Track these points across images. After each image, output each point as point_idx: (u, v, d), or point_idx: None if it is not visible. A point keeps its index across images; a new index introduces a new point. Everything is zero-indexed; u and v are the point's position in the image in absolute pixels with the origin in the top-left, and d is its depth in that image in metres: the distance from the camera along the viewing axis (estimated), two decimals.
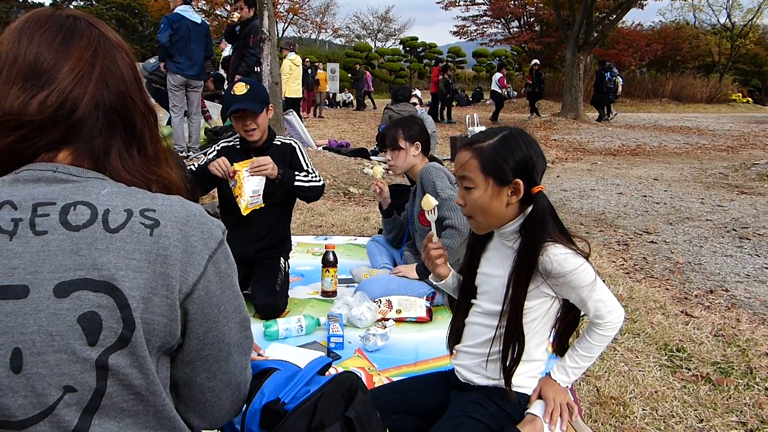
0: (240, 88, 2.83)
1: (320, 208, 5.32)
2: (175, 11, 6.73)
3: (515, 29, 31.53)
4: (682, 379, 2.36)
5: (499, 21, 31.68)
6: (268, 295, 2.79)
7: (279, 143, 3.00)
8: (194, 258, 0.88)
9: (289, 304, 2.94)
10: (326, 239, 4.27)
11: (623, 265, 3.92)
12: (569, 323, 1.61)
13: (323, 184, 3.03)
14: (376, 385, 2.07)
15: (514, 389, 1.57)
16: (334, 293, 3.10)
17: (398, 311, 2.79)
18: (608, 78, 16.14)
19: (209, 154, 2.96)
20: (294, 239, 4.20)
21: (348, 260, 3.73)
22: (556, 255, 1.45)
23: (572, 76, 16.54)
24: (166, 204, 0.90)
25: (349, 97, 25.22)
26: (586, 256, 1.49)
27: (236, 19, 6.86)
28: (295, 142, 3.03)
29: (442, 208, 2.73)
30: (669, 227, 5.03)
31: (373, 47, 41.41)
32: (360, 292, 2.81)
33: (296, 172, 2.89)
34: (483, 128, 8.94)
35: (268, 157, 2.76)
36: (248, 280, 2.91)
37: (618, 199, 6.31)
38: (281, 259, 2.97)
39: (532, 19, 30.88)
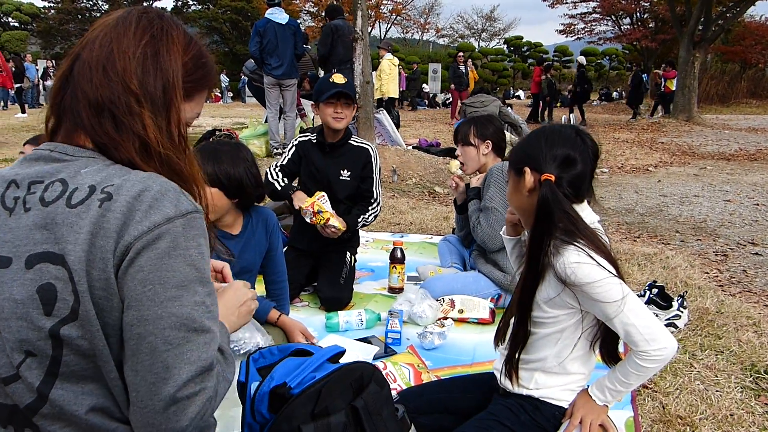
0: (339, 78, 2.94)
1: (402, 206, 5.35)
2: (264, 16, 7.10)
3: (627, 26, 29.88)
4: (766, 404, 2.15)
5: (609, 18, 30.14)
6: (332, 288, 2.86)
7: (354, 144, 3.05)
8: (128, 229, 0.85)
9: (354, 297, 3.00)
10: (402, 237, 4.29)
11: (717, 276, 3.61)
12: (611, 333, 1.50)
13: (377, 214, 3.09)
14: (424, 382, 2.07)
15: (549, 401, 1.51)
16: (400, 290, 3.11)
17: (460, 311, 2.75)
18: (646, 79, 17.10)
19: (288, 151, 3.07)
20: (370, 235, 4.30)
21: (420, 258, 3.74)
22: (571, 263, 1.36)
23: (685, 75, 15.41)
24: (128, 178, 0.89)
25: (449, 98, 25.07)
26: (614, 272, 1.37)
27: None
28: (372, 149, 3.07)
29: (481, 216, 2.90)
30: None
31: (477, 47, 40.93)
32: (423, 290, 2.80)
33: (358, 214, 2.97)
34: None
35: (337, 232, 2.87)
36: (316, 273, 3.00)
37: (724, 206, 5.82)
38: (347, 253, 3.03)
39: (645, 15, 29.11)
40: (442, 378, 2.14)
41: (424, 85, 26.94)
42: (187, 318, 0.87)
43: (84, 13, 31.06)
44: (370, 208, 3.01)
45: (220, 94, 27.38)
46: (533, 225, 1.45)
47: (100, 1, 31.36)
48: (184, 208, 0.89)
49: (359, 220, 2.96)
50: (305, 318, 2.79)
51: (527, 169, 1.46)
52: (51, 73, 19.45)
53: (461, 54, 15.23)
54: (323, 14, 8.43)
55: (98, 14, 31.01)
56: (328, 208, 2.84)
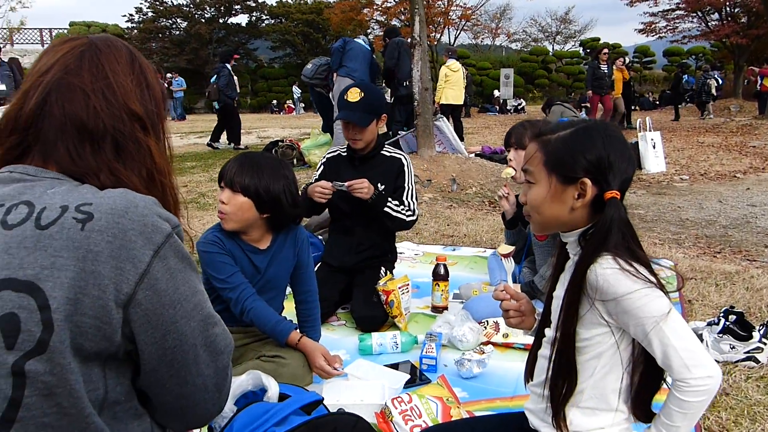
0: (353, 95, 2.77)
1: (458, 216, 5.12)
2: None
3: (714, 23, 28.04)
4: None
5: (694, 14, 28.42)
6: (365, 306, 2.69)
7: (387, 154, 2.88)
8: (133, 254, 0.81)
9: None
10: (454, 250, 4.07)
11: None
12: (647, 377, 1.26)
13: (413, 221, 2.86)
14: (453, 419, 1.86)
15: None
16: (445, 308, 2.91)
17: (505, 335, 2.51)
18: (685, 80, 16.34)
19: (318, 168, 2.96)
20: (421, 248, 4.10)
21: (470, 274, 3.51)
22: (605, 269, 1.16)
23: None
24: (106, 196, 0.85)
25: (520, 103, 24.44)
26: (658, 285, 1.17)
27: None
28: (405, 159, 2.89)
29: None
30: None
31: (551, 50, 39.80)
32: (464, 311, 2.58)
33: (390, 199, 2.76)
34: (657, 134, 8.04)
35: (365, 180, 2.66)
36: (350, 290, 2.85)
37: None
38: (382, 268, 2.85)
39: (736, 10, 27.20)
40: (475, 415, 1.92)
41: (495, 90, 26.43)
42: (208, 316, 0.90)
43: (164, 31, 32.71)
44: (398, 205, 2.80)
45: (293, 105, 28.04)
46: (585, 245, 1.24)
47: (178, 20, 32.90)
48: (173, 221, 0.88)
49: (387, 201, 2.74)
50: (339, 339, 2.64)
51: (588, 182, 1.22)
52: None
53: (606, 51, 12.48)
54: (383, 35, 8.53)
55: (177, 32, 32.66)
56: (403, 306, 2.68)
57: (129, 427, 0.88)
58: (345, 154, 2.88)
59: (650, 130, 8.06)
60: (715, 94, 16.41)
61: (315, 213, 2.96)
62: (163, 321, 0.83)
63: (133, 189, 0.90)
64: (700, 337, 2.43)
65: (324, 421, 0.99)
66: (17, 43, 28.15)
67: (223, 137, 10.88)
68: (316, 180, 2.89)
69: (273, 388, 1.32)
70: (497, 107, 24.14)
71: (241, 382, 1.47)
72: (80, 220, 0.81)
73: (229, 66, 10.42)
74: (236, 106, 10.70)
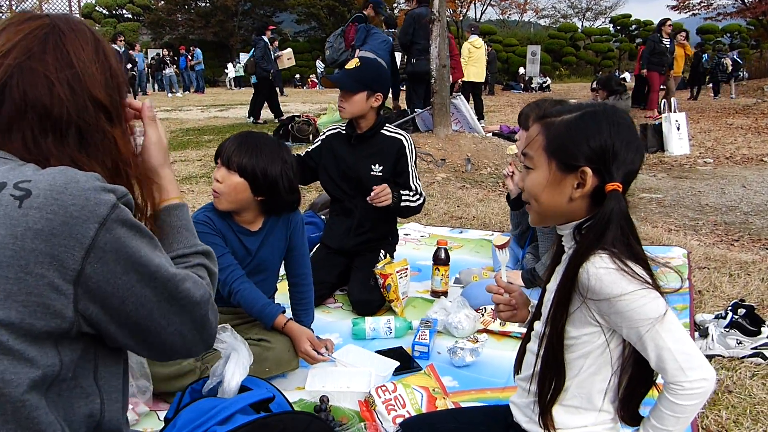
0: (352, 63, 2.76)
1: (469, 198, 5.03)
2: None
3: None
4: None
5: None
6: (362, 290, 2.64)
7: (387, 134, 2.80)
8: (75, 230, 0.80)
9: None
10: (461, 232, 3.99)
11: None
12: (636, 381, 1.19)
13: (421, 204, 2.81)
14: (438, 409, 1.81)
15: None
16: (444, 294, 2.85)
17: (502, 323, 2.44)
18: (705, 59, 15.80)
19: (315, 143, 2.90)
20: (427, 230, 4.03)
21: (475, 258, 3.44)
22: (599, 268, 1.08)
23: None
24: (45, 173, 0.83)
25: (545, 81, 23.94)
26: (654, 286, 1.10)
27: None
28: (407, 139, 2.81)
29: None
30: None
31: (580, 27, 38.80)
32: (461, 298, 2.52)
33: (402, 192, 2.71)
34: (682, 115, 7.78)
35: (385, 186, 2.61)
36: (349, 273, 2.80)
37: None
38: (382, 251, 2.79)
39: None
40: (461, 406, 1.87)
41: (521, 68, 25.93)
42: (172, 276, 0.89)
43: (190, 3, 32.62)
44: (411, 193, 2.75)
45: (316, 80, 27.86)
46: (580, 239, 1.17)
47: None
48: (119, 191, 0.86)
49: (402, 197, 2.69)
50: (333, 322, 2.61)
51: (588, 171, 1.14)
52: (167, 60, 20.80)
53: (669, 22, 10.93)
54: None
55: (203, 4, 32.54)
56: (400, 291, 2.62)
57: (74, 407, 0.86)
58: (345, 132, 2.81)
59: (675, 111, 7.80)
60: (731, 73, 15.91)
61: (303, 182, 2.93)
62: (118, 289, 0.83)
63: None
64: (706, 330, 2.34)
65: (273, 421, 0.94)
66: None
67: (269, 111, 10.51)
68: (309, 153, 2.86)
69: (232, 381, 1.25)
70: (522, 85, 23.70)
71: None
72: (18, 197, 0.79)
73: (265, 38, 10.17)
74: (272, 80, 10.26)
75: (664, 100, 8.14)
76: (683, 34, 12.27)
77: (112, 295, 0.83)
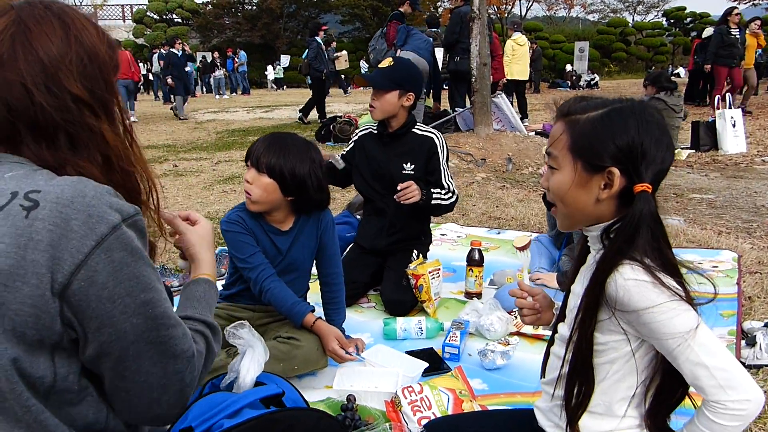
0: (386, 63, 2.74)
1: (509, 198, 4.95)
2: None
3: None
4: None
5: None
6: (394, 291, 2.63)
7: (419, 133, 2.78)
8: (72, 244, 0.79)
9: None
10: (498, 233, 3.93)
11: None
12: (665, 391, 1.13)
13: (454, 203, 2.75)
14: (464, 411, 1.79)
15: None
16: (478, 295, 2.81)
17: (536, 327, 2.39)
18: (759, 54, 14.27)
19: (348, 145, 2.92)
20: (464, 230, 3.99)
21: (512, 259, 3.37)
22: (627, 279, 1.03)
23: None
24: (55, 184, 0.83)
25: (593, 78, 23.35)
26: (685, 297, 1.04)
27: None
28: (438, 137, 2.77)
29: None
30: None
31: (630, 21, 37.66)
32: (494, 300, 2.48)
33: (433, 189, 2.67)
34: (738, 111, 7.44)
35: (411, 183, 2.55)
36: (382, 273, 2.79)
37: None
38: (414, 252, 2.77)
39: None
40: (488, 409, 1.84)
41: (568, 65, 25.38)
42: (161, 315, 0.86)
43: (236, 6, 33.31)
44: (439, 191, 2.71)
45: None
46: (609, 242, 1.12)
47: None
48: (126, 211, 0.85)
49: (433, 196, 2.65)
50: (365, 322, 2.61)
51: (615, 171, 1.09)
52: (218, 63, 21.37)
53: (737, 11, 9.98)
54: None
55: (249, 7, 33.15)
56: (432, 291, 2.60)
57: (78, 415, 0.87)
58: (376, 131, 2.81)
59: (730, 107, 7.46)
60: None
61: (337, 185, 2.93)
62: (98, 314, 0.81)
63: (94, 179, 0.87)
64: (753, 339, 2.23)
65: (281, 416, 0.94)
66: (100, 20, 29.55)
67: (333, 106, 10.67)
68: (344, 156, 2.87)
69: (247, 376, 1.26)
70: (569, 82, 23.19)
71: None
72: (26, 208, 0.80)
73: (318, 39, 10.28)
74: (325, 80, 10.35)
75: (718, 96, 7.77)
76: (758, 22, 11.22)
77: (91, 318, 0.81)
